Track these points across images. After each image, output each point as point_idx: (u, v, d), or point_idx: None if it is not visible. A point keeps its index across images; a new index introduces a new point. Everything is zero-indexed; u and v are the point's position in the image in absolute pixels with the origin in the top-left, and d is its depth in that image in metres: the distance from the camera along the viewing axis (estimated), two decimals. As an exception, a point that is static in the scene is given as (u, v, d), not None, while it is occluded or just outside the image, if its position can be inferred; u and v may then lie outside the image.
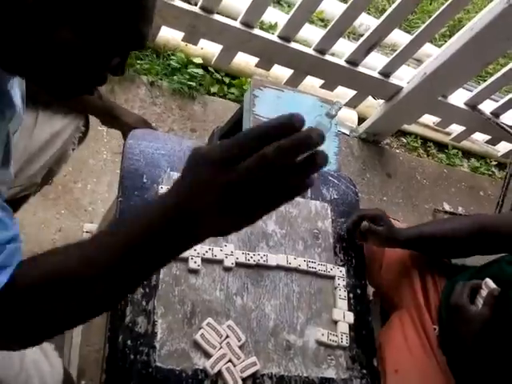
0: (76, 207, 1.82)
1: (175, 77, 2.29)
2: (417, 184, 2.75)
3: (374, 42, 2.23)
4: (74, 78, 0.66)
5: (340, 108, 1.63)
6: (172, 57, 2.30)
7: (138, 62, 2.22)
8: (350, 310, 1.24)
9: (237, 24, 2.08)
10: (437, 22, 2.18)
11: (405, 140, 2.99)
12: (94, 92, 0.73)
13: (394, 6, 2.09)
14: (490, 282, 1.18)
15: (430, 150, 3.05)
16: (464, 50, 2.13)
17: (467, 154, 3.19)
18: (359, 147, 2.66)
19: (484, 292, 1.17)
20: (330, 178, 1.42)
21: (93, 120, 1.98)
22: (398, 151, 2.86)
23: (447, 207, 2.77)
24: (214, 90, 2.39)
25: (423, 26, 2.20)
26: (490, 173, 3.20)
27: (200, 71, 2.32)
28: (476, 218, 1.40)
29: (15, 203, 1.24)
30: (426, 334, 1.43)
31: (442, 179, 2.88)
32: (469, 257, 1.46)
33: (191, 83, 2.28)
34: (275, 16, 2.76)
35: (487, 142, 3.02)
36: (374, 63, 2.52)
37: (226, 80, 2.46)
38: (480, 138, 3.10)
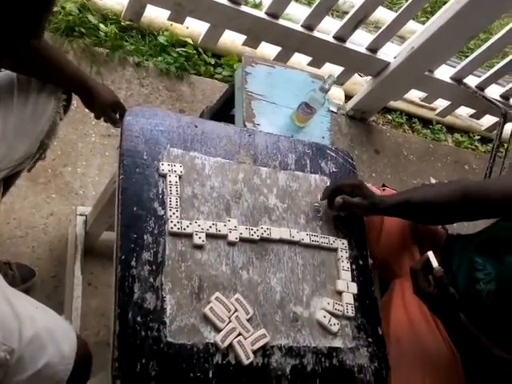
0: (67, 191, 1.79)
1: (161, 57, 2.25)
2: (404, 159, 2.78)
3: (361, 18, 2.23)
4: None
5: (334, 81, 1.63)
6: (159, 36, 2.26)
7: (124, 42, 2.17)
8: (353, 280, 1.25)
9: (224, 1, 2.05)
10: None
11: (390, 117, 3.00)
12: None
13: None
14: (431, 259, 1.14)
15: (415, 125, 3.07)
16: (450, 24, 2.14)
17: (451, 129, 3.22)
18: (347, 124, 2.67)
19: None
20: (328, 151, 1.42)
21: (81, 102, 1.95)
22: (384, 128, 2.87)
23: (433, 181, 2.80)
24: (201, 70, 2.36)
25: (408, 2, 2.20)
26: (474, 147, 3.25)
27: (186, 51, 2.28)
28: (459, 184, 1.36)
29: (9, 179, 1.22)
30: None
31: (428, 154, 2.91)
32: (454, 223, 1.45)
33: (178, 63, 2.25)
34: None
35: (471, 116, 3.06)
36: (359, 41, 2.51)
37: (213, 61, 2.43)
38: (463, 112, 3.14)
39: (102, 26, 2.13)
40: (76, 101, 1.89)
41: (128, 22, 2.20)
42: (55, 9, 2.06)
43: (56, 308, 1.54)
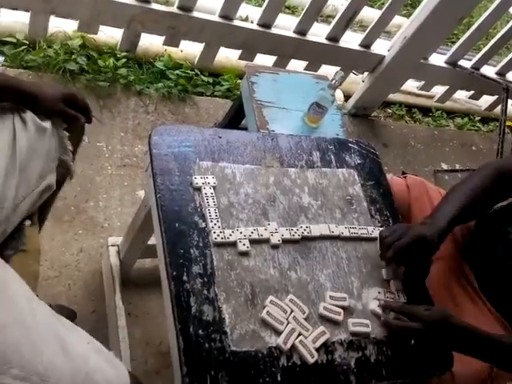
0: (92, 225, 1.78)
1: (161, 83, 2.27)
2: (412, 149, 2.79)
3: (350, 16, 2.26)
4: None
5: (342, 77, 1.64)
6: (156, 62, 2.28)
7: (124, 74, 2.19)
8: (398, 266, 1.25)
9: (216, 18, 2.08)
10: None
11: (390, 110, 3.02)
12: None
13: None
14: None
15: (416, 115, 3.10)
16: (440, 8, 2.17)
17: (451, 113, 3.24)
18: (351, 123, 2.69)
19: None
20: (350, 144, 1.43)
21: (92, 137, 1.96)
22: (387, 121, 2.89)
23: (445, 167, 2.81)
24: (201, 90, 2.39)
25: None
26: (476, 128, 3.27)
27: (185, 71, 2.31)
28: (489, 168, 1.31)
29: (41, 213, 1.21)
30: (468, 281, 1.44)
31: (434, 141, 2.93)
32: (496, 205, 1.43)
33: (179, 86, 2.28)
34: (245, 9, 2.76)
35: (470, 98, 3.08)
36: (349, 41, 2.54)
37: (211, 79, 2.46)
38: (461, 96, 3.17)
39: (100, 61, 2.15)
40: (87, 136, 1.93)
41: (124, 54, 2.22)
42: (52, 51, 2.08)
43: (101, 342, 1.56)
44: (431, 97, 3.06)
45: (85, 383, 0.92)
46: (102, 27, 2.12)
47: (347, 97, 2.80)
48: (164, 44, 2.18)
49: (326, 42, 2.32)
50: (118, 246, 1.61)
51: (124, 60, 2.21)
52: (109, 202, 1.86)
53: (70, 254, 1.69)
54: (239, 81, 2.44)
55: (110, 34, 2.23)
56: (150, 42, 2.30)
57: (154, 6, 1.99)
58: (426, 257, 1.19)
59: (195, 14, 2.04)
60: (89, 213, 1.81)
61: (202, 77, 2.43)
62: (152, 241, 1.50)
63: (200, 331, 0.98)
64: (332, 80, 1.60)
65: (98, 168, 1.92)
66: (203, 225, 1.10)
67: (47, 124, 1.15)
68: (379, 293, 1.18)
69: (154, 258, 1.67)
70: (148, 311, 1.68)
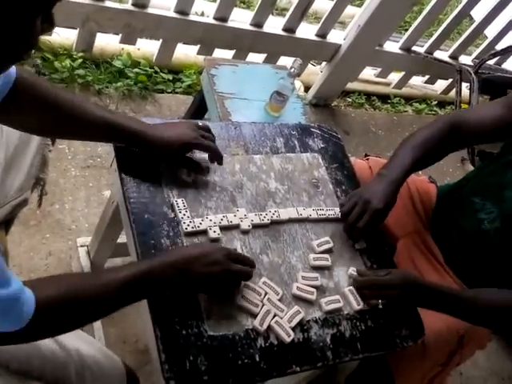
0: (59, 228, 1.76)
1: (120, 82, 2.25)
2: (373, 135, 2.85)
3: (305, 6, 2.29)
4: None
5: (301, 64, 1.67)
6: (114, 61, 2.26)
7: (82, 74, 2.16)
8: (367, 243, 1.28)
9: (172, 14, 2.08)
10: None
11: (350, 99, 3.07)
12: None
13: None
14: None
15: (375, 103, 3.16)
16: (391, -5, 2.22)
17: (408, 99, 3.32)
18: (312, 113, 2.72)
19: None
20: (312, 129, 1.45)
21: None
22: (347, 110, 2.94)
23: (406, 150, 2.87)
24: (161, 87, 2.38)
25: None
26: (434, 112, 3.36)
27: (144, 69, 2.30)
28: (444, 119, 1.35)
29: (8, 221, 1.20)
30: (434, 255, 1.49)
31: (394, 127, 2.99)
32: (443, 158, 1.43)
33: (140, 84, 2.26)
34: (200, 5, 2.76)
35: (425, 82, 3.16)
36: (305, 32, 2.57)
37: (170, 77, 2.45)
38: (417, 82, 3.25)
39: (56, 62, 2.12)
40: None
41: (81, 54, 2.19)
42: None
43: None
44: (389, 84, 3.13)
45: (83, 378, 0.92)
46: (56, 28, 2.09)
47: (307, 88, 2.84)
48: (121, 42, 2.16)
49: (282, 33, 2.35)
50: (87, 246, 1.59)
51: (80, 60, 2.18)
52: (75, 203, 1.84)
53: (39, 258, 1.66)
54: (200, 77, 2.44)
55: (64, 36, 2.20)
56: (107, 42, 2.27)
57: (108, 3, 1.97)
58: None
59: (150, 10, 2.04)
60: (55, 216, 1.78)
61: (162, 74, 2.42)
62: (122, 239, 1.49)
63: (176, 318, 0.98)
64: (291, 68, 1.63)
65: (61, 170, 1.89)
66: (172, 215, 1.11)
67: (35, 140, 1.16)
68: (353, 270, 1.20)
69: (124, 257, 1.66)
70: (122, 310, 1.65)
